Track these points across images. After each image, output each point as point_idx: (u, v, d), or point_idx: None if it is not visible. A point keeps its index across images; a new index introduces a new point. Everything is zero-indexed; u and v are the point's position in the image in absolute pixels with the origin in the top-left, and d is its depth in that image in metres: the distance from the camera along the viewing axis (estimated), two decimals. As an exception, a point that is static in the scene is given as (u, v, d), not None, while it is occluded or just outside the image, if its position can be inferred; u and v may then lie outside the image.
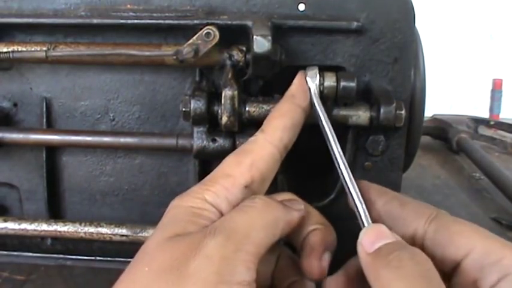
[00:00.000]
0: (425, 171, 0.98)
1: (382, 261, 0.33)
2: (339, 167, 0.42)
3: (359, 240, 0.36)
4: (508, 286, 0.32)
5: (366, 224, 0.39)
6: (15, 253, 0.61)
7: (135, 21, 0.51)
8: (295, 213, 0.40)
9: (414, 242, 0.37)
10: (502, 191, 0.84)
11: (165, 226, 0.37)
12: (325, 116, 0.45)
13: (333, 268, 0.42)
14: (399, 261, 0.32)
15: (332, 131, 0.44)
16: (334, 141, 0.43)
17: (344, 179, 0.42)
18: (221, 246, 0.33)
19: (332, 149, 0.43)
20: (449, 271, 0.35)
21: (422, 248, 0.36)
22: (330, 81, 0.48)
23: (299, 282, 0.41)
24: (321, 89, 0.48)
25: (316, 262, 0.40)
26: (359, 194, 0.40)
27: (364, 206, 0.40)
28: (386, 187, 0.55)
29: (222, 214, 0.38)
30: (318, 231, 0.41)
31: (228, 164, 0.40)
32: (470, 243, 0.34)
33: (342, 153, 0.43)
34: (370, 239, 0.35)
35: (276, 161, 0.41)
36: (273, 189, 0.55)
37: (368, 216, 0.39)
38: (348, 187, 0.41)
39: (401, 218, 0.38)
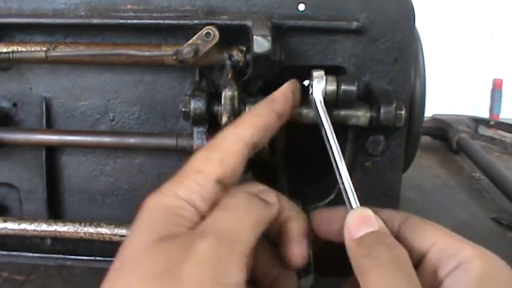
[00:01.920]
0: (425, 171, 0.98)
1: (363, 251, 0.37)
2: (333, 154, 0.43)
3: (346, 222, 0.39)
4: (462, 272, 0.37)
5: (353, 205, 0.41)
6: (15, 253, 0.61)
7: (135, 21, 0.51)
8: (274, 207, 0.41)
9: None
10: (502, 191, 0.84)
11: (146, 228, 0.37)
12: (329, 121, 0.45)
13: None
14: (377, 253, 0.36)
15: (334, 136, 0.44)
16: (334, 142, 0.44)
17: (337, 167, 0.42)
18: (214, 248, 0.34)
19: (331, 149, 0.43)
20: (415, 263, 0.38)
21: None
22: (330, 85, 0.48)
23: (283, 277, 0.42)
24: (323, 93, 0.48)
25: (296, 249, 0.41)
26: (348, 176, 0.42)
27: (352, 188, 0.41)
28: (386, 187, 0.55)
29: (198, 210, 0.38)
30: (294, 219, 0.42)
31: (198, 159, 0.40)
32: (433, 238, 0.39)
33: (339, 149, 0.43)
34: (356, 223, 0.39)
35: (245, 158, 0.41)
36: (273, 188, 0.55)
37: (356, 198, 0.41)
38: (340, 172, 0.42)
39: None
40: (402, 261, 0.36)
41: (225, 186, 0.40)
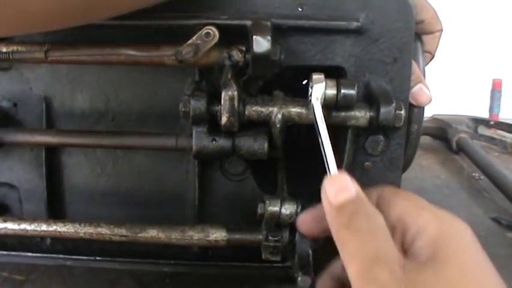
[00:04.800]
0: (425, 171, 0.98)
1: (343, 221, 0.38)
2: (327, 161, 0.43)
3: (323, 188, 0.40)
4: (419, 238, 0.37)
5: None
6: (14, 253, 0.61)
7: (135, 21, 0.51)
8: None
9: None
10: (502, 191, 0.84)
11: None
12: (325, 128, 0.45)
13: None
14: (356, 223, 0.37)
15: (329, 143, 0.44)
16: (329, 149, 0.44)
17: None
18: None
19: (326, 156, 0.43)
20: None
21: None
22: (330, 89, 0.47)
23: None
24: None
25: None
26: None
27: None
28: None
29: None
30: None
31: None
32: (399, 209, 0.40)
33: (334, 158, 0.43)
34: (333, 189, 0.40)
35: None
36: (273, 189, 0.55)
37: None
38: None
39: None
40: (380, 230, 0.37)
41: None
